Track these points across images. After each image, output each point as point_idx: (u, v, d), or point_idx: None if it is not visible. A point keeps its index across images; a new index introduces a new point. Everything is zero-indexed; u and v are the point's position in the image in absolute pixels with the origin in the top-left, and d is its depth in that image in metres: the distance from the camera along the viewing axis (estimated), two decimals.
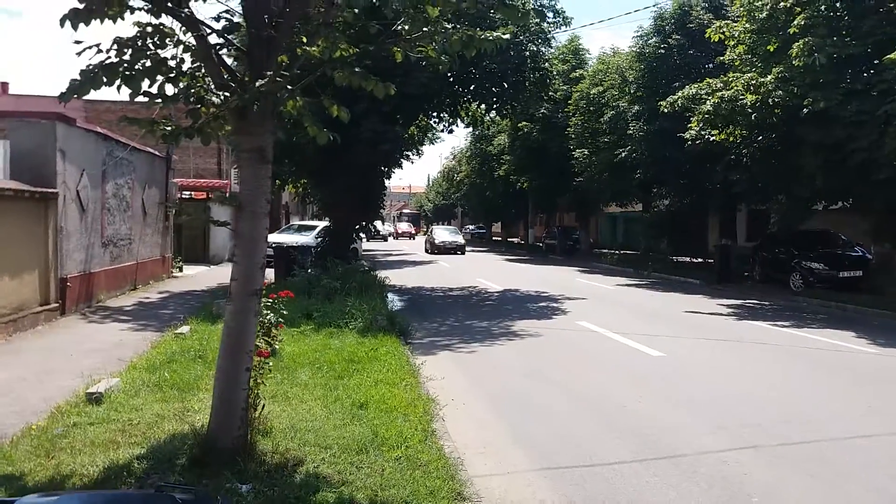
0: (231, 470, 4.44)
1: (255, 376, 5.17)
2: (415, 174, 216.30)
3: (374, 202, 19.17)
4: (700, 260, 27.22)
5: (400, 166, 21.78)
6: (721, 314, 14.10)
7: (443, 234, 39.48)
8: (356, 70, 4.91)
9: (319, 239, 19.80)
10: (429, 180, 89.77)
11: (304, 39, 4.97)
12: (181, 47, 4.66)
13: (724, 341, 10.84)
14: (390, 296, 15.52)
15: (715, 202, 25.46)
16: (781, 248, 19.52)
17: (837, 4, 14.13)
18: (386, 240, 51.61)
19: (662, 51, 23.94)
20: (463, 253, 36.25)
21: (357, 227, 18.50)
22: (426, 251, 37.90)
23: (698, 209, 26.23)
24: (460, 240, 38.39)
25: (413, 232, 65.50)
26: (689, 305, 15.47)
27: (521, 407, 7.00)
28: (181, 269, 19.63)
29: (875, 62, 13.52)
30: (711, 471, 5.18)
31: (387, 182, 21.93)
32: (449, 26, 5.09)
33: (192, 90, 4.81)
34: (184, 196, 23.20)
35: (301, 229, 24.99)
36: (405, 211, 65.39)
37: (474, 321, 12.71)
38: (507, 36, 5.10)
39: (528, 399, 7.30)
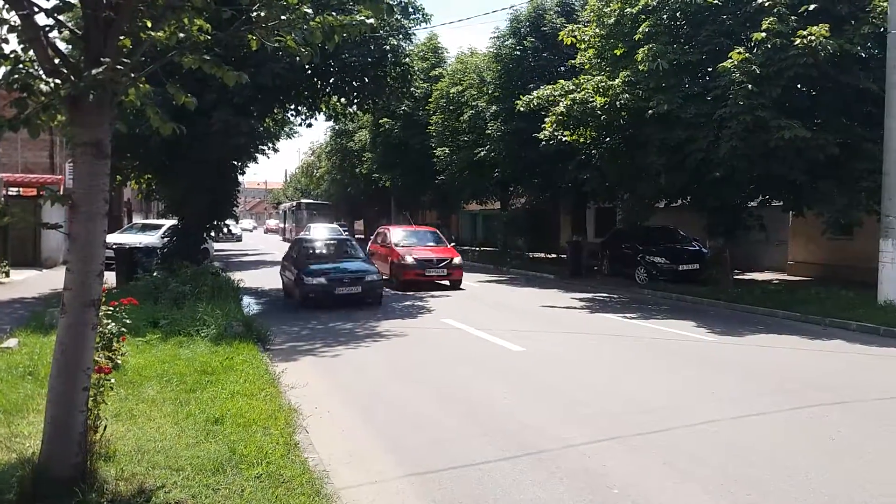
0: (69, 503, 3.95)
1: (95, 395, 4.64)
2: (271, 169, 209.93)
3: (227, 199, 18.19)
4: (554, 255, 28.36)
5: (255, 161, 20.89)
6: (575, 307, 14.68)
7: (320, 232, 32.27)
8: (206, 56, 4.53)
9: (166, 239, 18.48)
10: (286, 176, 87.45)
11: (149, 24, 4.51)
12: (5, 27, 4.11)
13: (579, 334, 11.27)
14: (246, 299, 14.84)
15: (567, 200, 26.66)
16: (627, 243, 20.70)
17: (678, 14, 15.11)
18: (240, 239, 48.84)
19: (518, 52, 24.63)
20: None
21: (208, 225, 17.50)
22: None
23: (552, 207, 27.33)
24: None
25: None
26: (545, 300, 15.99)
27: (389, 411, 6.84)
28: (7, 275, 17.67)
29: (710, 69, 14.60)
30: (574, 465, 5.28)
31: (241, 178, 20.98)
32: (310, 13, 4.82)
33: (17, 76, 4.23)
34: (10, 193, 20.94)
35: (145, 229, 23.35)
36: (304, 201, 51.44)
37: (338, 323, 12.39)
38: (371, 21, 4.90)
39: (395, 402, 7.16)
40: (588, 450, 5.60)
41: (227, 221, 18.75)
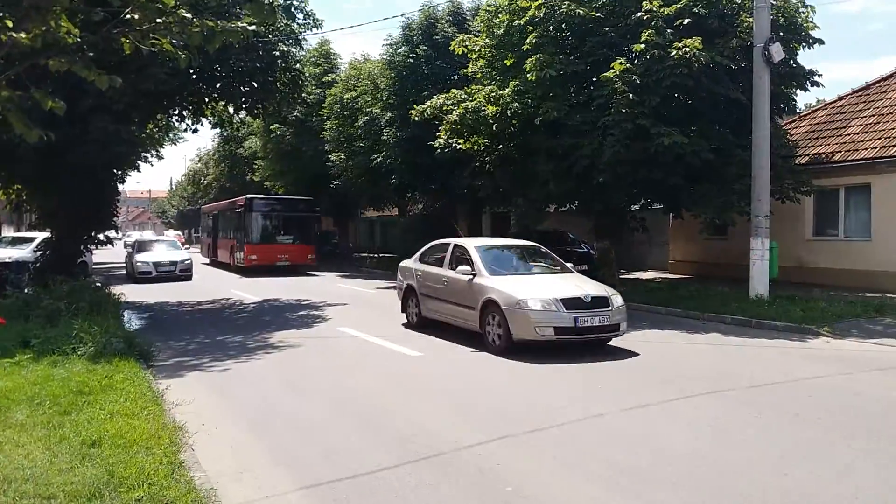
0: None
1: None
2: (155, 177, 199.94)
3: (106, 209, 17.21)
4: None
5: (137, 169, 19.91)
6: None
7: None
8: (77, 58, 4.28)
9: (39, 253, 17.24)
10: (171, 184, 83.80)
11: (10, 24, 4.21)
12: None
13: (473, 337, 11.33)
14: (128, 314, 14.10)
15: (464, 206, 27.02)
16: None
17: (563, 26, 15.65)
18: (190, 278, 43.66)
19: (411, 60, 24.77)
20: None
21: (86, 237, 16.48)
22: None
23: (449, 213, 27.62)
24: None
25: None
26: None
27: (282, 423, 6.67)
28: None
29: (594, 79, 15.21)
30: (469, 466, 5.33)
31: (121, 186, 19.93)
32: (188, 16, 4.64)
33: None
34: None
35: (15, 242, 21.70)
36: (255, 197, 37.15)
37: (228, 336, 11.98)
38: (252, 27, 4.79)
39: (288, 414, 6.99)
40: (482, 450, 5.67)
41: (108, 233, 17.73)
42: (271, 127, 32.07)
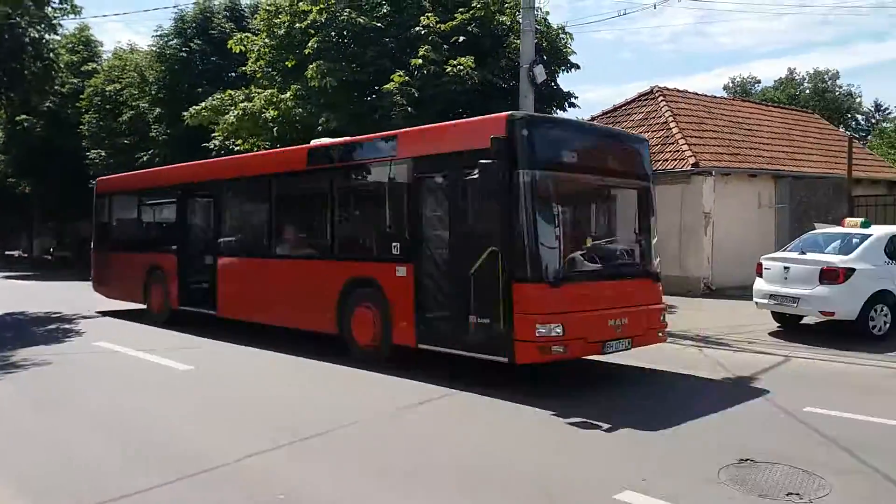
0: None
1: None
2: None
3: None
4: None
5: None
6: None
7: None
8: None
9: None
10: None
11: None
12: None
13: (247, 347, 10.87)
14: None
15: None
16: None
17: (345, 33, 15.69)
18: None
19: (185, 54, 23.40)
20: None
21: None
22: None
23: None
24: None
25: None
26: None
27: (29, 449, 5.88)
28: None
29: (376, 88, 15.43)
30: (241, 478, 5.13)
31: None
32: None
33: None
34: None
35: None
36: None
37: None
38: None
39: (38, 439, 6.19)
40: (253, 461, 5.47)
41: None
42: (17, 118, 28.38)
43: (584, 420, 6.49)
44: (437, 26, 15.01)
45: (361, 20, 15.14)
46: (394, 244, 8.87)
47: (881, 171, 24.17)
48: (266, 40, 17.10)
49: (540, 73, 14.88)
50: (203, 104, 17.55)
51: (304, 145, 11.47)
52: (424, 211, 8.61)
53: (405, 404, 7.27)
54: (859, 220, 12.15)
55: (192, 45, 23.34)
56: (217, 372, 9.27)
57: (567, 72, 17.14)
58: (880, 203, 18.37)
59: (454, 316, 7.98)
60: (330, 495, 4.85)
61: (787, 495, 4.66)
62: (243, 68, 19.17)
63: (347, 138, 10.91)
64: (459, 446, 5.94)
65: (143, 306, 14.01)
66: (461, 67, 14.29)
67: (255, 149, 17.42)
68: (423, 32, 14.97)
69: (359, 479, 5.18)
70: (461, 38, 15.21)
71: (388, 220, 9.13)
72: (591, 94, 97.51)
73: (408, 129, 9.73)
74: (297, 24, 15.91)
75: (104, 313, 15.19)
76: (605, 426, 6.31)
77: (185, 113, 18.12)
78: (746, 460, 5.29)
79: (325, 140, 11.20)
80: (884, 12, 75.05)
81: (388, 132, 9.86)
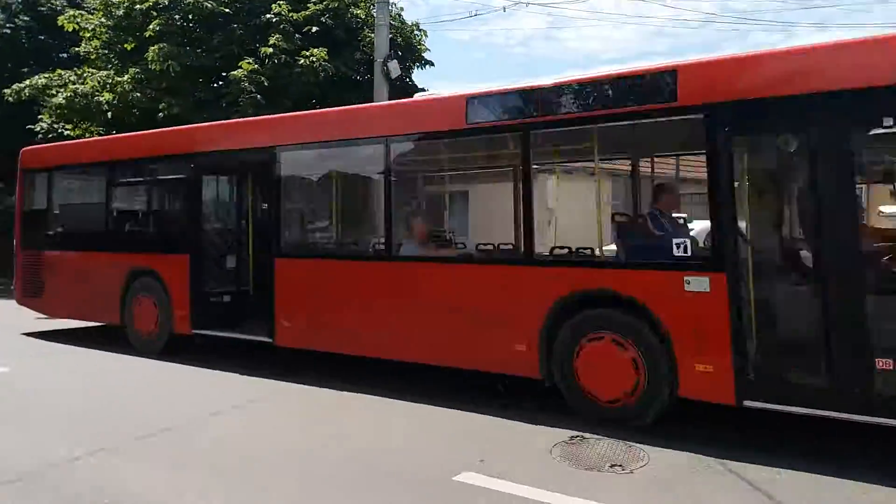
0: None
1: None
2: None
3: None
4: None
5: None
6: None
7: None
8: None
9: None
10: None
11: None
12: None
13: (70, 353, 10.04)
14: None
15: None
16: None
17: (190, 17, 14.95)
18: None
19: (9, 31, 21.31)
20: None
21: None
22: None
23: None
24: None
25: None
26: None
27: None
28: None
29: (224, 75, 14.83)
30: (64, 485, 4.73)
31: None
32: None
33: None
34: None
35: None
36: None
37: None
38: None
39: None
40: (77, 465, 5.07)
41: None
42: None
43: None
44: (290, 15, 14.68)
45: (208, 4, 14.51)
46: None
47: None
48: (102, 19, 15.93)
49: (394, 68, 14.95)
50: (28, 81, 16.02)
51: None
52: None
53: None
54: None
55: (17, 20, 21.28)
56: (37, 374, 8.49)
57: (422, 68, 17.39)
58: None
59: None
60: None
61: (610, 466, 4.95)
62: (76, 49, 17.73)
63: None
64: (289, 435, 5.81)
65: (115, 325, 9.88)
66: (314, 59, 14.05)
67: (88, 135, 16.19)
68: (274, 20, 14.59)
69: (189, 480, 4.92)
70: (314, 29, 14.98)
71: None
72: (448, 91, 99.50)
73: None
74: (138, 5, 14.95)
75: None
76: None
77: (6, 90, 16.46)
78: (577, 436, 5.57)
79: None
80: (711, 27, 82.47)
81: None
